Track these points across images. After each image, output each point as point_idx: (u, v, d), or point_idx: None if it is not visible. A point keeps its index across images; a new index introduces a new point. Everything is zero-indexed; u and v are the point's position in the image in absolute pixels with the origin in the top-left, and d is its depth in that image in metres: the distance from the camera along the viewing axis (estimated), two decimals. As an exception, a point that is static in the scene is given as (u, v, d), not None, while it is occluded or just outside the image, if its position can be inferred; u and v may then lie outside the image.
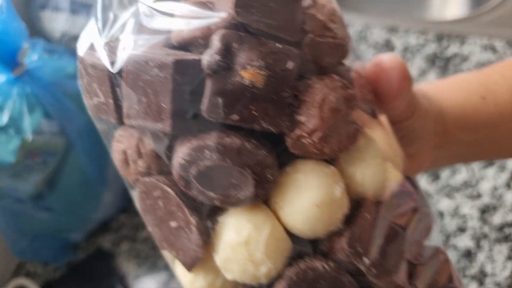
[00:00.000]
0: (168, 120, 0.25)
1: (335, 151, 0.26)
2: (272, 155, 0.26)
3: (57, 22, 0.75)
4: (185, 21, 0.26)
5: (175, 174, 0.26)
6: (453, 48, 0.86)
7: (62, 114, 0.65)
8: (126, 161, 0.30)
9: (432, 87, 0.42)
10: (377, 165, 0.28)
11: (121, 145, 0.30)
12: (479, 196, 0.70)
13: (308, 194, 0.25)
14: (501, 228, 0.67)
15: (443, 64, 0.85)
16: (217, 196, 0.26)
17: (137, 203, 0.30)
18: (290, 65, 0.24)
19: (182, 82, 0.24)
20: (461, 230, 0.68)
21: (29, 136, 0.62)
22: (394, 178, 0.28)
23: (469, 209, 0.70)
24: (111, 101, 0.27)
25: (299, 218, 0.26)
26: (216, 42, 0.24)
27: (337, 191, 0.26)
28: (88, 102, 0.30)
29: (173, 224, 0.28)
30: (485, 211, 0.69)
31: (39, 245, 0.75)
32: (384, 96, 0.32)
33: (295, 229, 0.26)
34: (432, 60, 0.86)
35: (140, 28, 0.28)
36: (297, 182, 0.26)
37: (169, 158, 0.27)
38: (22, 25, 0.59)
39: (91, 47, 0.29)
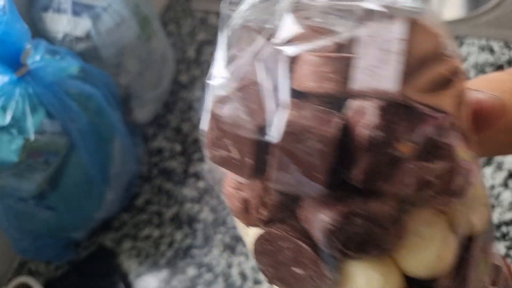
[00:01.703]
0: (321, 185, 0.26)
1: (451, 202, 0.28)
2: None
3: (59, 23, 0.75)
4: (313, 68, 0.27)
5: (320, 236, 0.27)
6: (451, 49, 0.86)
7: (64, 114, 0.66)
8: (246, 209, 0.30)
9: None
10: (481, 211, 0.30)
11: (242, 193, 0.30)
12: (476, 195, 0.71)
13: (430, 248, 0.28)
14: (498, 226, 0.68)
15: (441, 64, 0.85)
16: (355, 254, 0.27)
17: (253, 244, 0.30)
18: (434, 133, 0.26)
19: (336, 154, 0.25)
20: (459, 228, 0.69)
21: (31, 136, 0.63)
22: (485, 217, 0.31)
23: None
24: (249, 160, 0.28)
25: (421, 267, 0.28)
26: (375, 118, 0.24)
27: (453, 242, 0.28)
28: (212, 152, 0.30)
29: (298, 271, 0.29)
30: (483, 209, 0.70)
31: (41, 243, 0.75)
32: (478, 128, 0.35)
33: (415, 274, 0.28)
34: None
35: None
36: (419, 236, 0.28)
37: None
38: (25, 26, 0.60)
39: (223, 100, 0.29)
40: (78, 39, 0.76)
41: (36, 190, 0.68)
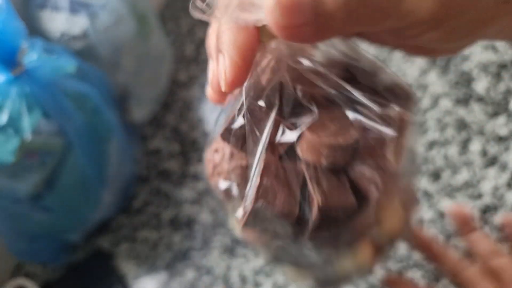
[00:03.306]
0: None
1: None
2: None
3: (56, 21, 0.75)
4: None
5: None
6: (454, 48, 0.86)
7: (61, 114, 0.65)
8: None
9: None
10: None
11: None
12: (480, 196, 0.70)
13: None
14: (502, 229, 0.67)
15: (444, 63, 0.84)
16: None
17: None
18: None
19: None
20: (462, 230, 0.68)
21: (28, 136, 0.62)
22: None
23: (470, 209, 0.69)
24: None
25: None
26: None
27: None
28: None
29: None
30: (486, 211, 0.69)
31: (37, 245, 0.75)
32: None
33: None
34: (433, 59, 0.86)
35: None
36: None
37: None
38: (21, 24, 0.59)
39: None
40: (75, 37, 0.75)
41: (32, 191, 0.68)
